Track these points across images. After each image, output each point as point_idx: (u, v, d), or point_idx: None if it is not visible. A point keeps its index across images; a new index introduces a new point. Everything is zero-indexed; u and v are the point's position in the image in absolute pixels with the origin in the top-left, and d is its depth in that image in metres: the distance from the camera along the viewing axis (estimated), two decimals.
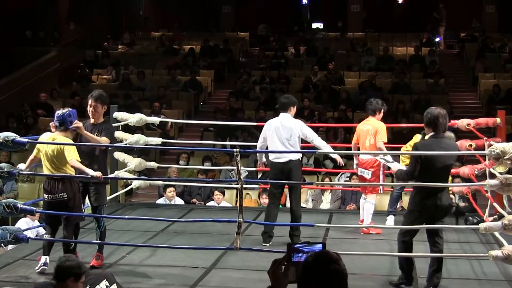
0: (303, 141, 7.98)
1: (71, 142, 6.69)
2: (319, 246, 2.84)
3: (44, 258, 6.58)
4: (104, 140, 6.71)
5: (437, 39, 22.00)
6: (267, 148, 7.84)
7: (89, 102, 6.88)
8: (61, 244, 6.72)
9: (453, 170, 10.01)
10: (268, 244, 7.50)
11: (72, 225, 6.72)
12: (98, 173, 6.54)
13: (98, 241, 6.93)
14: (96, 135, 6.73)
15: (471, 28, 22.10)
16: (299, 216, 7.66)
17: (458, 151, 6.44)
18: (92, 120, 6.93)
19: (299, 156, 7.74)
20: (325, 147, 7.78)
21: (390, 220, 8.58)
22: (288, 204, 8.21)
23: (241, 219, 6.45)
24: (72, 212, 6.59)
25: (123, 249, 7.35)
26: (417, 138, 8.51)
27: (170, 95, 17.24)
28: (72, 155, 6.52)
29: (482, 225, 6.44)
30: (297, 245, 2.83)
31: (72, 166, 6.55)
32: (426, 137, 6.22)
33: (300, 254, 2.80)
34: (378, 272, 6.60)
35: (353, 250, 7.23)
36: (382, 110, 8.32)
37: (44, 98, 16.81)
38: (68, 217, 6.62)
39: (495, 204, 7.84)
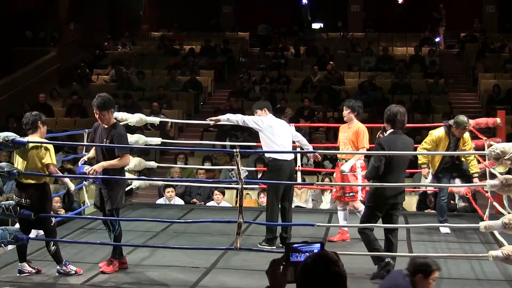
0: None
1: (49, 143, 6.60)
2: (318, 246, 2.83)
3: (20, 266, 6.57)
4: (118, 163, 6.50)
5: (437, 39, 22.01)
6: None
7: (94, 111, 6.70)
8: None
9: None
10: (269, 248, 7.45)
11: (48, 230, 6.63)
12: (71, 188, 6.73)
13: (96, 242, 6.92)
14: (105, 141, 6.60)
15: (471, 28, 22.11)
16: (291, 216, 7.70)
17: (413, 146, 6.63)
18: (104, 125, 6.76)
19: None
20: (307, 145, 8.00)
21: (445, 229, 8.33)
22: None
23: (241, 220, 6.43)
24: (37, 218, 6.51)
25: (123, 249, 7.33)
26: (431, 135, 8.40)
27: (170, 95, 17.24)
28: (48, 160, 6.46)
29: (482, 224, 6.45)
30: (296, 245, 2.83)
31: (49, 171, 6.46)
32: (387, 133, 6.47)
33: (298, 254, 2.80)
34: None
35: (353, 250, 7.23)
36: None
37: (43, 99, 16.81)
38: (40, 222, 6.59)
39: (495, 204, 7.85)
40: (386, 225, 6.43)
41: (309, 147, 8.01)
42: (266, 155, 7.79)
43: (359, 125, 7.72)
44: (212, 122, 7.89)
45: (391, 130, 6.40)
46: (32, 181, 6.49)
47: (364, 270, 6.56)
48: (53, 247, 6.52)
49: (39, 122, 6.60)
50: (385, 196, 6.31)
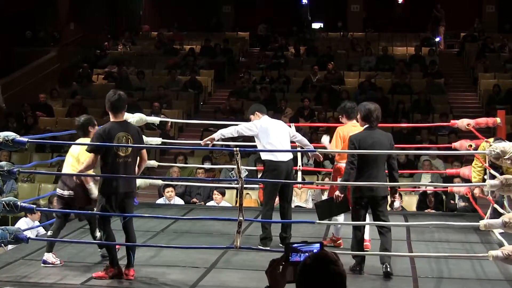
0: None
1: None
2: (317, 245, 2.83)
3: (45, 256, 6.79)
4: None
5: (437, 39, 22.02)
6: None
7: None
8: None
9: (453, 171, 10.09)
10: (269, 248, 7.40)
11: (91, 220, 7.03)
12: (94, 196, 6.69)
13: (96, 241, 6.92)
14: None
15: (471, 28, 22.12)
16: (291, 216, 7.67)
17: (391, 140, 6.66)
18: None
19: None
20: (307, 144, 7.92)
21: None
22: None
23: (241, 218, 6.42)
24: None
25: (123, 249, 7.32)
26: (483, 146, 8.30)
27: (170, 95, 17.24)
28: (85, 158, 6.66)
29: (482, 222, 6.45)
30: (295, 245, 2.83)
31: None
32: (362, 129, 6.66)
33: (298, 254, 2.80)
34: (378, 272, 6.59)
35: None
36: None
37: (43, 99, 16.82)
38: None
39: (496, 206, 7.84)
40: (384, 223, 6.46)
41: (310, 146, 7.97)
42: (263, 156, 7.75)
43: (337, 129, 7.58)
44: (209, 143, 7.72)
45: (366, 126, 6.57)
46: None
47: (365, 269, 6.56)
48: (100, 233, 6.69)
49: (89, 127, 6.94)
50: (361, 190, 6.49)
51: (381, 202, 6.54)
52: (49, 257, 6.77)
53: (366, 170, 6.47)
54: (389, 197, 6.78)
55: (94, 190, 6.69)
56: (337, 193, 6.76)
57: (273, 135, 7.48)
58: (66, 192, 6.87)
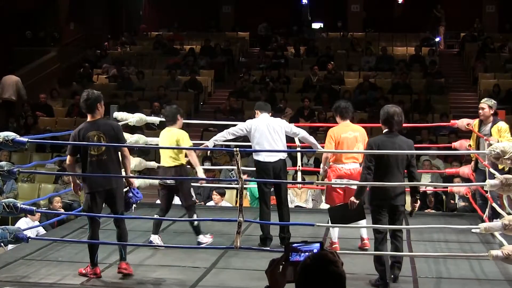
0: (300, 141, 8.06)
1: (185, 135, 7.47)
2: (317, 245, 2.83)
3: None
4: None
5: (437, 39, 22.02)
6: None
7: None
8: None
9: (452, 170, 10.08)
10: (269, 248, 7.41)
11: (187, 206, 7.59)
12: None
13: (96, 241, 6.93)
14: None
15: (471, 28, 22.12)
16: (289, 216, 7.66)
17: (412, 148, 6.37)
18: None
19: (286, 155, 7.77)
20: (313, 142, 7.76)
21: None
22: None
23: (241, 218, 6.43)
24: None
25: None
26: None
27: (170, 95, 17.24)
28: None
29: (482, 225, 6.45)
30: (295, 245, 2.83)
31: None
32: (383, 132, 6.35)
33: (298, 254, 2.80)
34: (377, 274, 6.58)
35: (353, 249, 7.23)
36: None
37: (43, 99, 16.82)
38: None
39: (494, 205, 7.84)
40: (389, 226, 6.37)
41: (315, 142, 7.79)
42: (253, 157, 7.76)
43: (329, 130, 7.51)
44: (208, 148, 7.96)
45: (386, 130, 6.27)
46: (174, 164, 7.39)
47: (364, 271, 6.56)
48: (196, 222, 7.35)
49: (178, 115, 7.53)
50: (379, 198, 6.23)
51: (400, 209, 6.28)
52: (154, 238, 7.37)
53: (383, 178, 6.14)
54: (408, 206, 6.46)
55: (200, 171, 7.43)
56: (352, 199, 6.43)
57: (262, 136, 7.46)
58: (168, 181, 7.40)
